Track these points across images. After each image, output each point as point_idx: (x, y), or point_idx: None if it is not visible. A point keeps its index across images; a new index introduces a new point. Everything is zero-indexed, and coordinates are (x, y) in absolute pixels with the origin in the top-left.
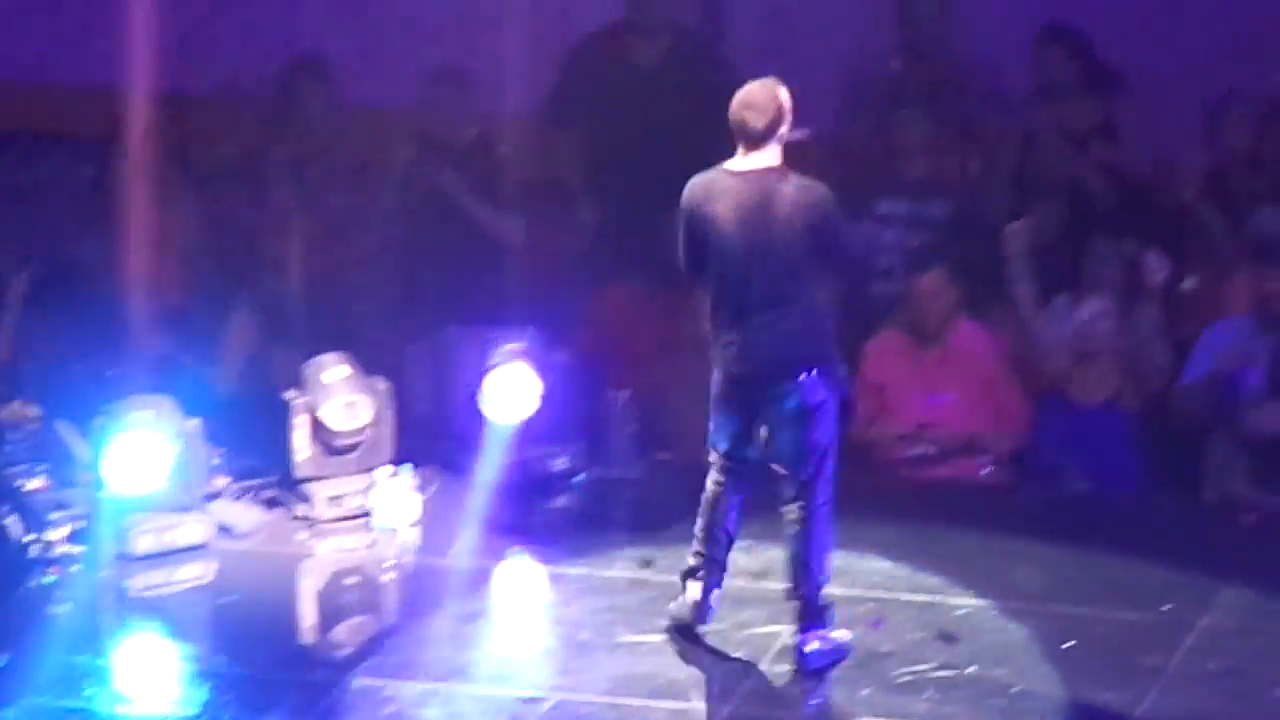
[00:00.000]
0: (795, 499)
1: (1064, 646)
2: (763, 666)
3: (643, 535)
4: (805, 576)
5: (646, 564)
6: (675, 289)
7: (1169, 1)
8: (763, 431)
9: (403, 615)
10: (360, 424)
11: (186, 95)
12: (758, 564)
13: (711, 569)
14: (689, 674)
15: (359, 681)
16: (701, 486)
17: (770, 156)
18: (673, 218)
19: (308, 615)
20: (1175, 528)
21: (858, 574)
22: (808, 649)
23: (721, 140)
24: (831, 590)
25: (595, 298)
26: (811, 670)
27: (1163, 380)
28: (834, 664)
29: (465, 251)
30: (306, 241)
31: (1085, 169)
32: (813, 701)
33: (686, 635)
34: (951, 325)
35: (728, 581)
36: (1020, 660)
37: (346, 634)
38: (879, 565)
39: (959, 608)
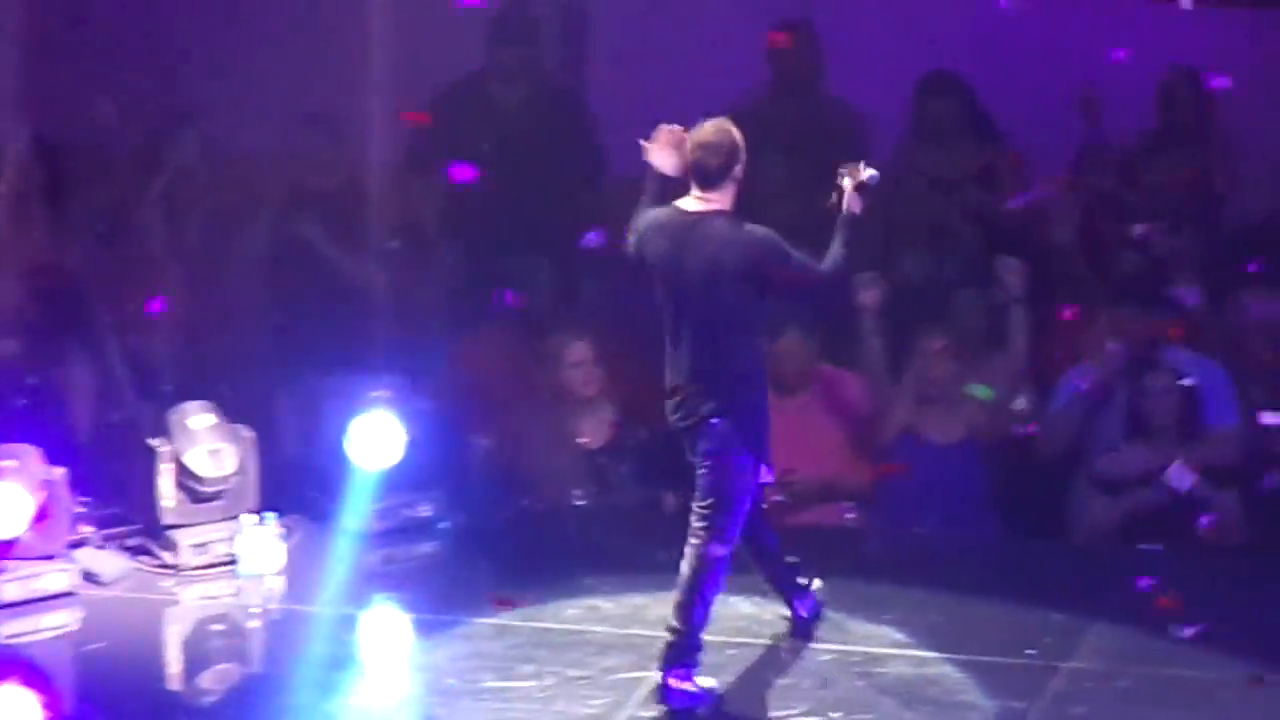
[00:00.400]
0: (690, 539)
1: (929, 692)
2: (627, 711)
3: (506, 581)
4: (680, 616)
5: (509, 609)
6: (535, 337)
7: (1042, 51)
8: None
9: (268, 663)
10: (225, 471)
11: (60, 143)
12: (624, 610)
13: (777, 585)
14: (556, 714)
15: None
16: (560, 532)
17: (721, 197)
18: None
19: (173, 663)
20: (1039, 570)
21: (723, 619)
22: (672, 685)
23: (583, 181)
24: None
25: (457, 345)
26: (673, 709)
27: (1023, 421)
28: (695, 706)
29: (331, 298)
30: (175, 288)
31: (954, 215)
32: None
33: (556, 679)
34: (813, 374)
35: (595, 628)
36: (885, 706)
37: (212, 681)
38: (744, 610)
39: (824, 653)
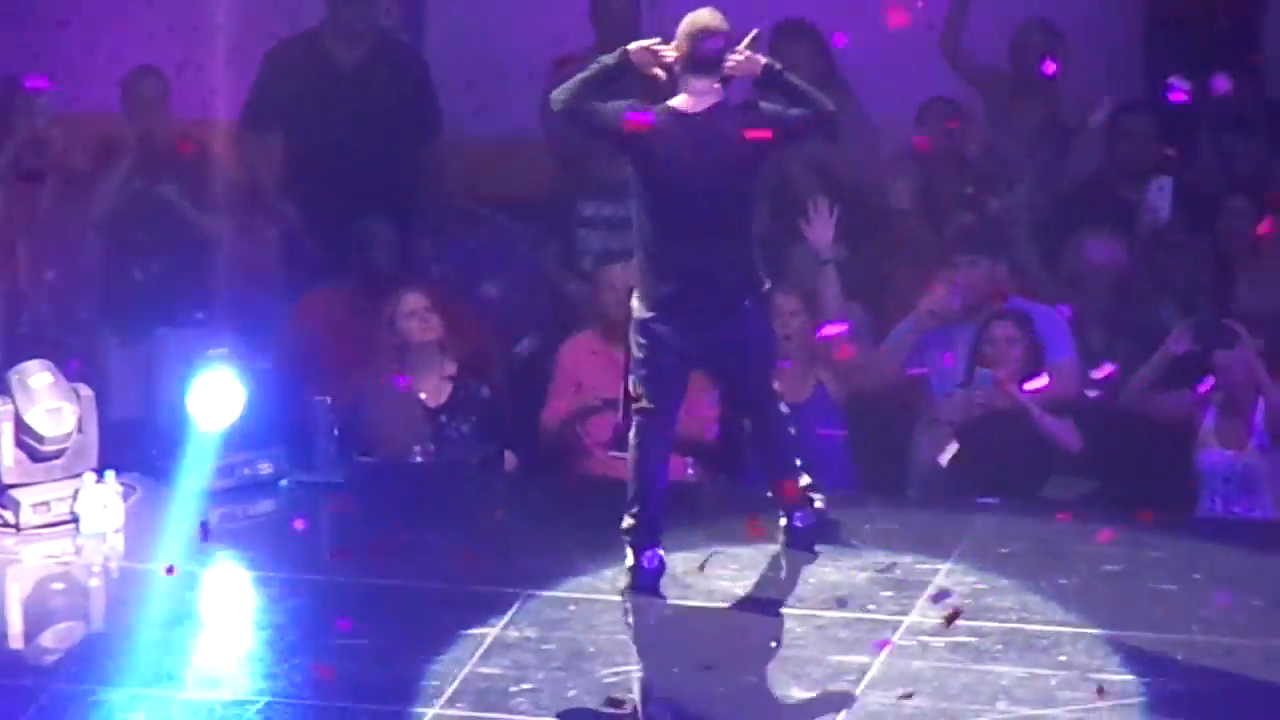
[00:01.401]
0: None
1: (771, 645)
2: (468, 667)
3: (347, 538)
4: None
5: (347, 558)
6: (374, 293)
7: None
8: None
9: (109, 621)
10: (65, 430)
11: None
12: (463, 567)
13: (650, 529)
14: (397, 673)
15: (66, 688)
16: (402, 490)
17: (719, 85)
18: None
19: (14, 622)
20: (884, 525)
21: (563, 577)
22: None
23: (422, 141)
24: (538, 593)
25: (296, 303)
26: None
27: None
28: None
29: (171, 256)
30: (20, 248)
31: (797, 170)
32: (519, 701)
33: (410, 633)
34: None
35: (435, 584)
36: (725, 660)
37: (53, 640)
38: (583, 566)
39: (664, 608)
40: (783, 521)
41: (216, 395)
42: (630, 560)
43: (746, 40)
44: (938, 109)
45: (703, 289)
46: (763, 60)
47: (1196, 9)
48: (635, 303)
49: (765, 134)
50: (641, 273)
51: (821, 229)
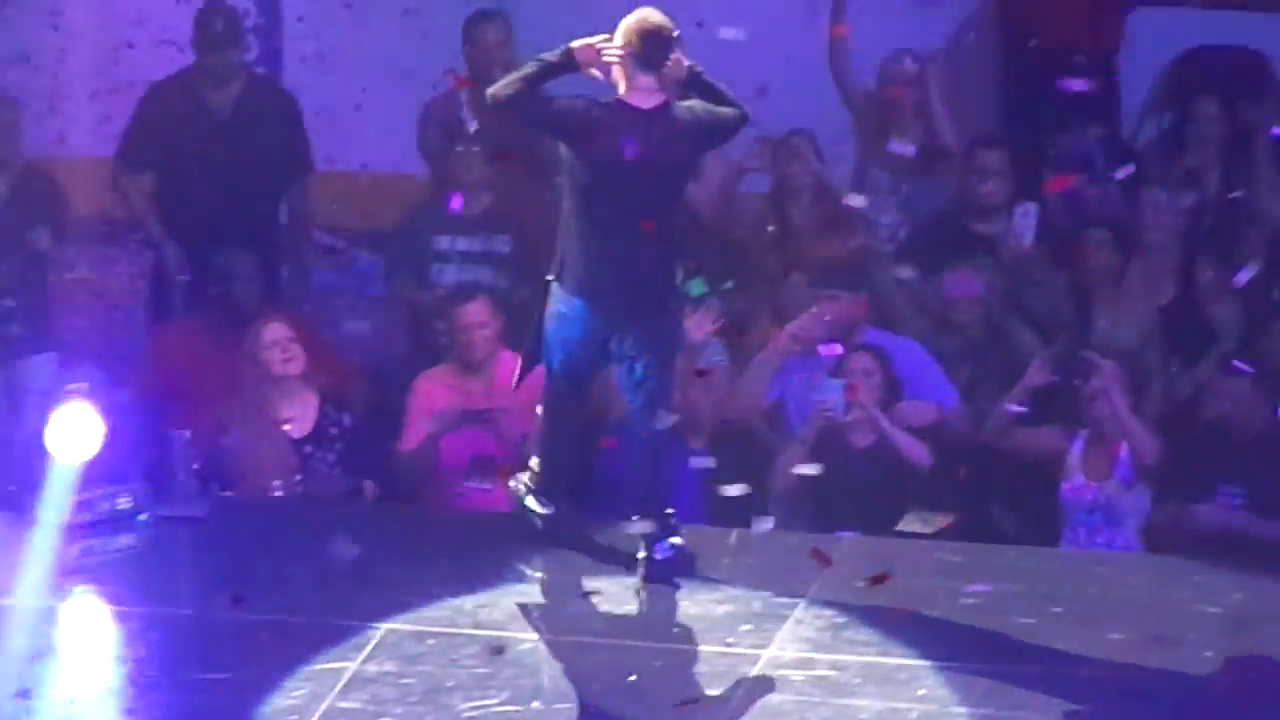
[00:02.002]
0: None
1: (629, 680)
2: (326, 701)
3: (206, 572)
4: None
5: (234, 600)
6: (235, 325)
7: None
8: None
9: None
10: None
11: None
12: (323, 600)
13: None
14: (257, 708)
15: None
16: (264, 526)
17: (662, 83)
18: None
19: None
20: (743, 559)
21: (422, 610)
22: None
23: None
24: (394, 627)
25: (156, 336)
26: None
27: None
28: None
29: (30, 286)
30: None
31: None
32: None
33: (269, 667)
34: (496, 356)
35: (294, 618)
36: (586, 694)
37: None
38: (444, 599)
39: (524, 641)
40: (641, 554)
41: (75, 428)
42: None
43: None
44: (793, 142)
45: (632, 283)
46: (686, 62)
47: (1053, 41)
48: (557, 286)
49: (702, 140)
50: (570, 260)
51: None
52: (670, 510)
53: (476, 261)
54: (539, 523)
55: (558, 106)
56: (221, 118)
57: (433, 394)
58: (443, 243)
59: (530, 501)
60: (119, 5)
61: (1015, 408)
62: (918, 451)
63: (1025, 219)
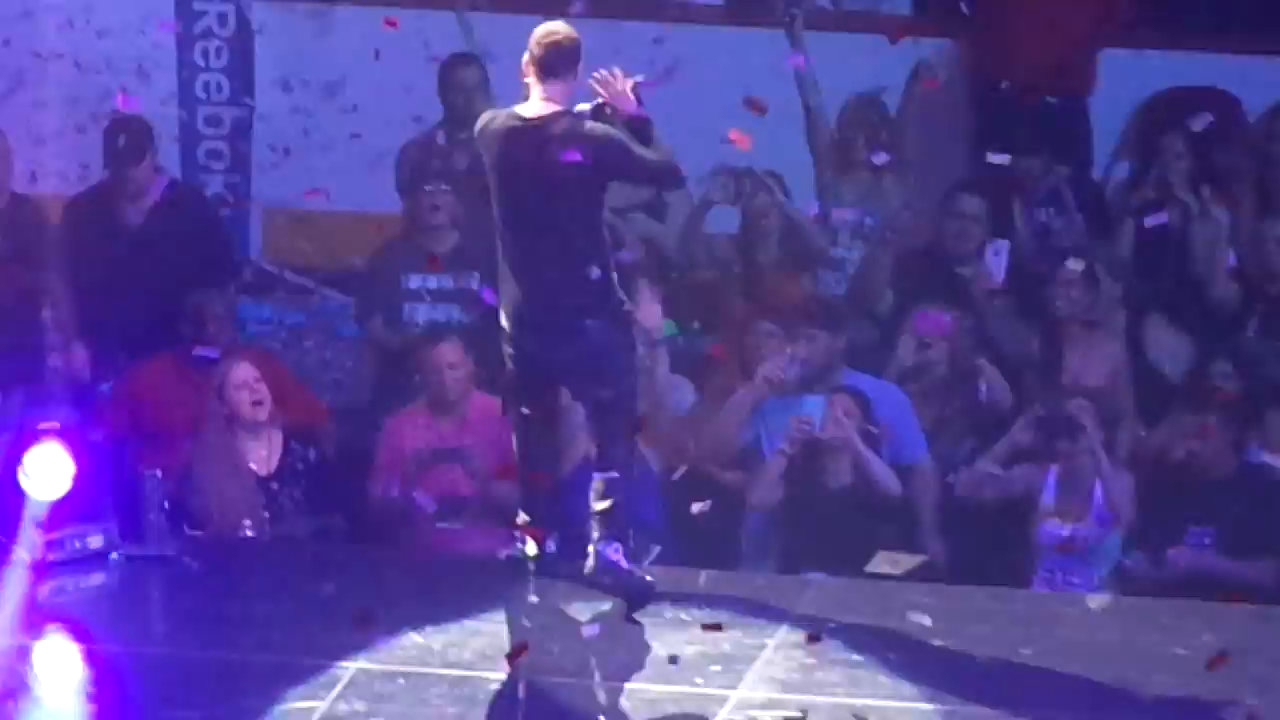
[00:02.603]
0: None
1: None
2: None
3: (178, 612)
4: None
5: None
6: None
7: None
8: None
9: None
10: None
11: None
12: (293, 639)
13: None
14: None
15: None
16: (231, 563)
17: (563, 94)
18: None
19: None
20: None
21: (392, 650)
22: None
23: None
24: (364, 666)
25: (125, 375)
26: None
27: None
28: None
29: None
30: None
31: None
32: None
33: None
34: (467, 397)
35: (264, 658)
36: None
37: None
38: (414, 639)
39: (493, 681)
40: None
41: (47, 467)
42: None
43: (626, 78)
44: (759, 174)
45: (542, 304)
46: (634, 101)
47: (1024, 82)
48: (500, 311)
49: (575, 156)
50: (500, 282)
51: (649, 310)
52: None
53: (448, 300)
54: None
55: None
56: (135, 228)
57: (404, 434)
58: (414, 281)
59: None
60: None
61: (994, 469)
62: (890, 481)
63: (997, 256)
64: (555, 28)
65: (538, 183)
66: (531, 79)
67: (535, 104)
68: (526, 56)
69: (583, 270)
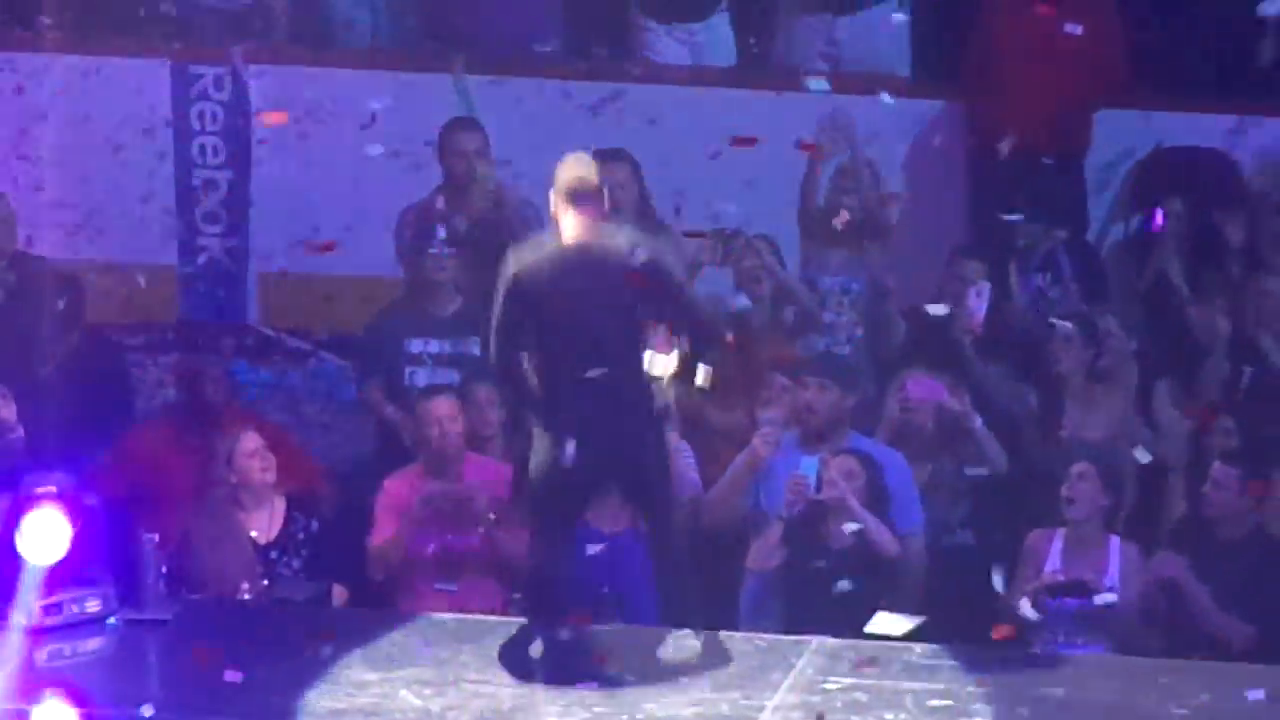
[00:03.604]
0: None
1: None
2: None
3: (176, 677)
4: None
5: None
6: (202, 428)
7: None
8: None
9: None
10: None
11: None
12: (292, 704)
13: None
14: None
15: None
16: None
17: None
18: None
19: None
20: (710, 660)
21: (390, 714)
22: None
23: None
24: None
25: (122, 438)
26: None
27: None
28: None
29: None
30: None
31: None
32: None
33: None
34: (462, 455)
35: None
36: None
37: None
38: (412, 701)
39: None
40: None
41: (44, 531)
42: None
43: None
44: (750, 238)
45: (607, 414)
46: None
47: (1020, 143)
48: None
49: (637, 278)
50: (545, 402)
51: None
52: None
53: (448, 364)
54: None
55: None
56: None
57: (401, 494)
58: (415, 345)
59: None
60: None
61: (1029, 611)
62: (886, 538)
63: (979, 298)
64: (578, 165)
65: (599, 302)
66: (564, 211)
67: (576, 231)
68: (555, 192)
69: (641, 380)
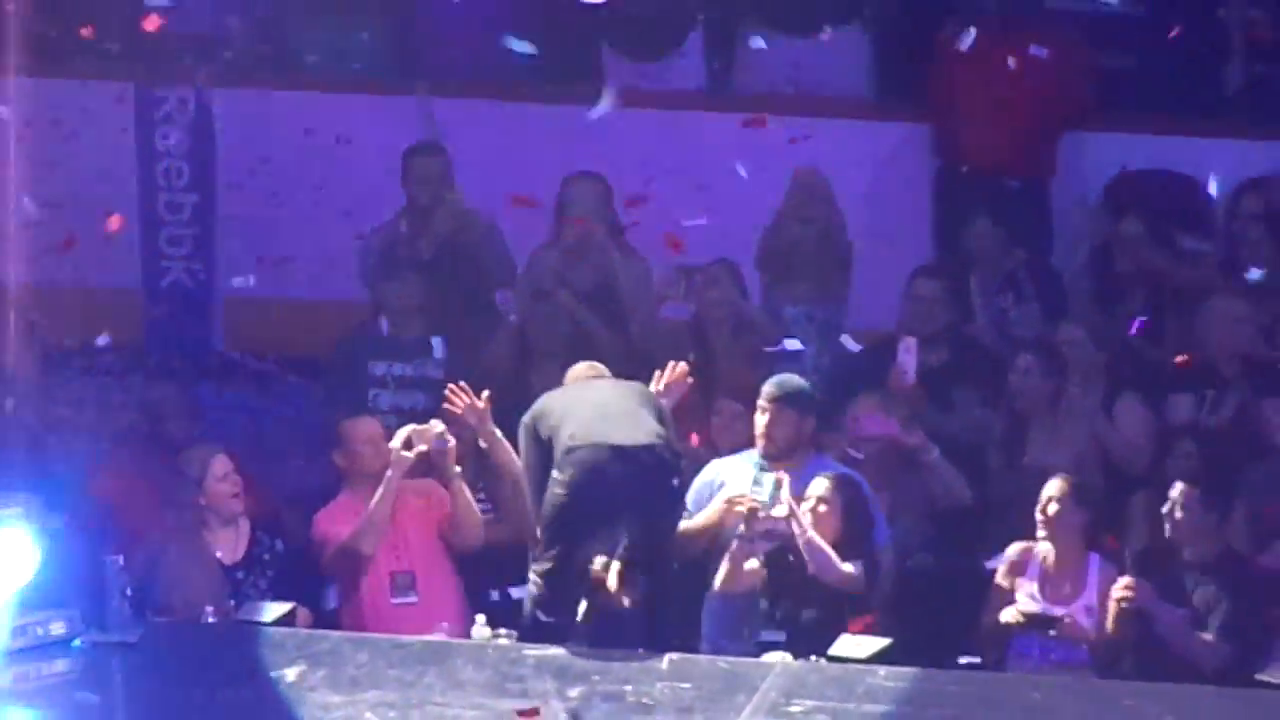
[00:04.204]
0: None
1: None
2: None
3: (141, 699)
4: None
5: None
6: (166, 453)
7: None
8: None
9: None
10: None
11: None
12: None
13: None
14: None
15: None
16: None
17: None
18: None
19: None
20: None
21: None
22: None
23: None
24: None
25: (89, 463)
26: None
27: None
28: None
29: None
30: None
31: (591, 326)
32: None
33: None
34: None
35: None
36: None
37: None
38: None
39: None
40: None
41: (10, 554)
42: None
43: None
44: (712, 270)
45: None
46: None
47: (985, 166)
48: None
49: None
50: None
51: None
52: None
53: (411, 387)
54: None
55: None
56: None
57: (336, 522)
58: (379, 368)
59: None
60: None
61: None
62: (838, 574)
63: (907, 354)
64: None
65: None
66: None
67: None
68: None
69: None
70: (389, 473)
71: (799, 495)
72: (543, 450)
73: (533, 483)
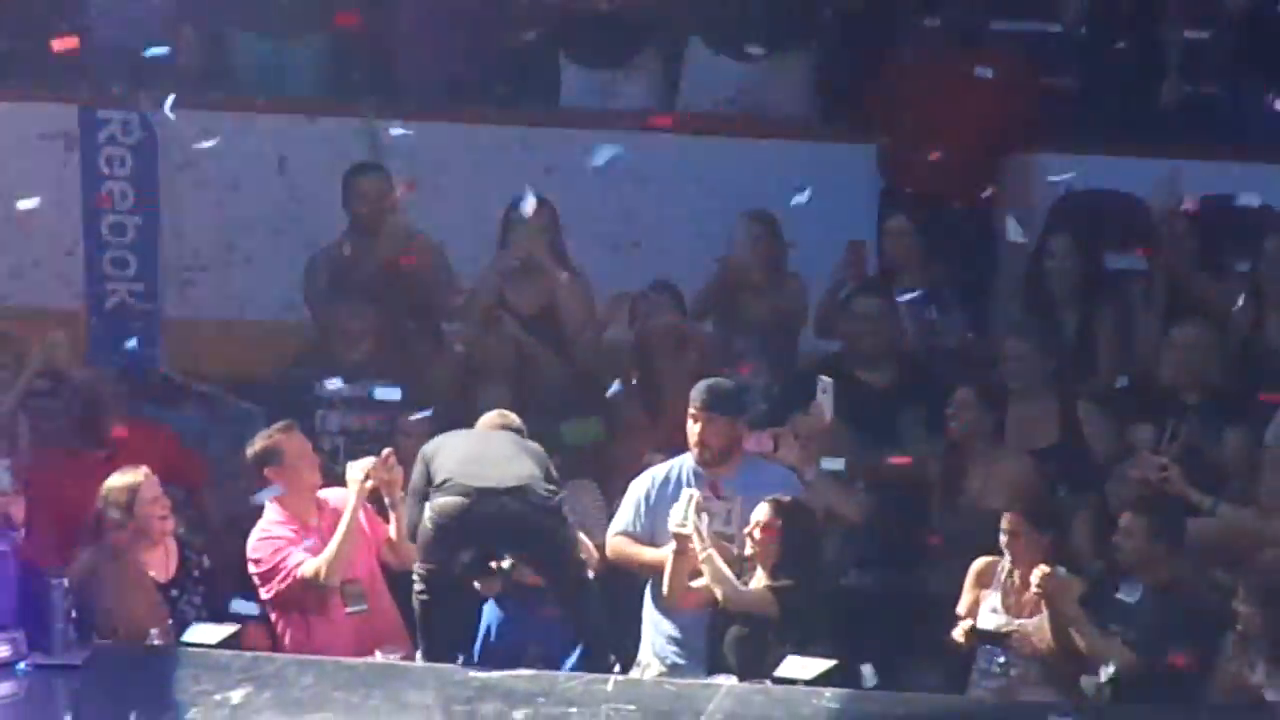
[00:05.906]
0: None
1: None
2: None
3: None
4: None
5: None
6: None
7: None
8: None
9: None
10: None
11: None
12: None
13: None
14: None
15: None
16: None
17: None
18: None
19: None
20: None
21: None
22: None
23: None
24: None
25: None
26: None
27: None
28: None
29: None
30: None
31: (535, 349)
32: None
33: None
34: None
35: None
36: None
37: None
38: None
39: None
40: None
41: None
42: None
43: None
44: (652, 297)
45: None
46: None
47: (929, 188)
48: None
49: None
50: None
51: None
52: None
53: (360, 408)
54: None
55: None
56: None
57: (284, 558)
58: (326, 387)
59: None
60: None
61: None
62: (740, 596)
63: (825, 395)
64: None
65: None
66: None
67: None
68: None
69: None
70: (351, 502)
71: (743, 498)
72: (424, 480)
73: (410, 505)
